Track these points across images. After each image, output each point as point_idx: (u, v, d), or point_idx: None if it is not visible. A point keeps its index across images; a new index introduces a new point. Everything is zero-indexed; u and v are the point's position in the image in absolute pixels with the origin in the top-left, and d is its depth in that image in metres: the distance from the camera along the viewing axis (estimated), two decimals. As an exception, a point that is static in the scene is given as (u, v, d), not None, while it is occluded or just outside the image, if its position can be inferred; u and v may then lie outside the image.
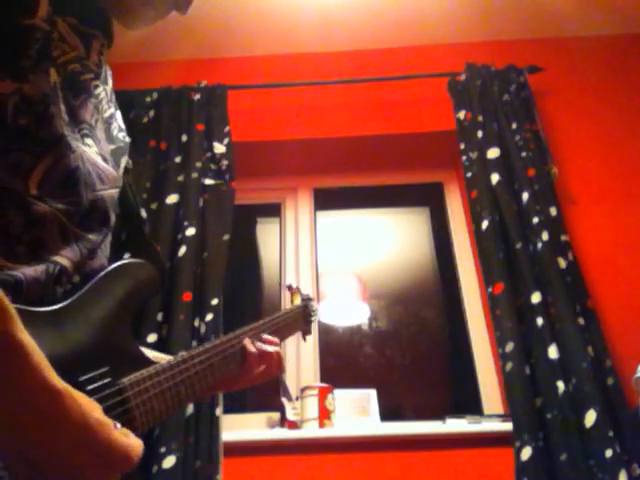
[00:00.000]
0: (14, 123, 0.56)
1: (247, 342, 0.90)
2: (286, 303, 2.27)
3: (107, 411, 0.55)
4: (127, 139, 0.78)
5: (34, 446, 0.44)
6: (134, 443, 0.52)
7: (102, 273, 0.64)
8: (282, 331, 1.06)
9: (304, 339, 1.25)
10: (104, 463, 0.48)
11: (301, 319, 1.20)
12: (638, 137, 2.26)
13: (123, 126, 0.79)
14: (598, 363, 1.67)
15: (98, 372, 0.58)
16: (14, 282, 0.52)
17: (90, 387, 0.55)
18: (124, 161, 0.74)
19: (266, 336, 0.96)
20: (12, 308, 0.44)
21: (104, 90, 0.73)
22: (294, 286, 1.29)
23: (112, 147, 0.72)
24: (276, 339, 0.97)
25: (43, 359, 0.46)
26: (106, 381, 0.58)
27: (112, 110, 0.76)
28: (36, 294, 0.55)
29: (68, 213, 0.60)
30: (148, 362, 0.68)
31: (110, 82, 0.77)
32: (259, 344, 0.93)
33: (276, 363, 0.95)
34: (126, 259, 0.70)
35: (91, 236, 0.64)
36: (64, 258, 0.59)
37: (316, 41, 2.53)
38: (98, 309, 0.62)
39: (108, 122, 0.74)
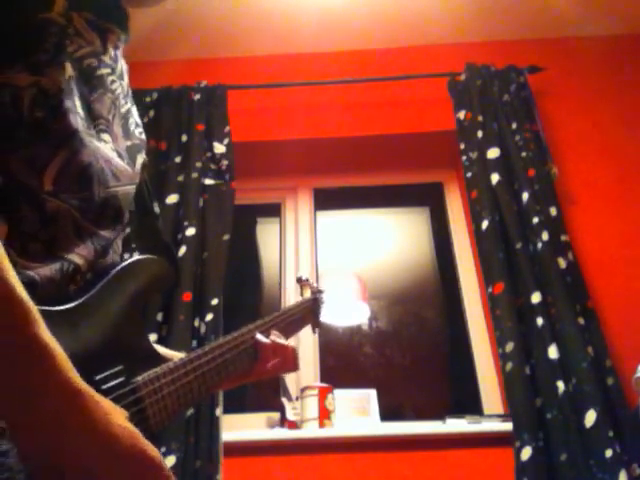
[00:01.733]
0: (30, 116, 0.56)
1: (260, 336, 0.90)
2: (285, 301, 2.27)
3: None
4: (143, 136, 0.78)
5: (56, 449, 0.43)
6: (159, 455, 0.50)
7: (115, 270, 0.64)
8: (293, 325, 1.05)
9: (314, 331, 1.24)
10: (127, 468, 0.47)
11: (310, 312, 1.18)
12: (638, 137, 2.25)
13: (139, 122, 0.79)
14: (598, 363, 1.67)
15: (112, 371, 0.57)
16: (28, 282, 0.52)
17: (105, 386, 0.55)
18: (140, 158, 0.74)
19: (274, 332, 0.95)
20: (36, 309, 0.44)
21: (120, 85, 0.73)
22: (304, 278, 1.27)
23: (128, 143, 0.72)
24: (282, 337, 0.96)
25: (66, 360, 0.45)
26: (120, 380, 0.58)
27: (129, 106, 0.75)
28: (50, 293, 0.54)
29: (81, 209, 0.60)
30: (161, 360, 0.67)
31: (126, 77, 0.76)
32: (273, 337, 0.93)
33: (291, 357, 0.95)
34: (139, 256, 0.69)
35: (104, 233, 0.63)
36: (78, 256, 0.59)
37: (316, 41, 2.52)
38: (111, 307, 0.61)
39: (125, 118, 0.73)
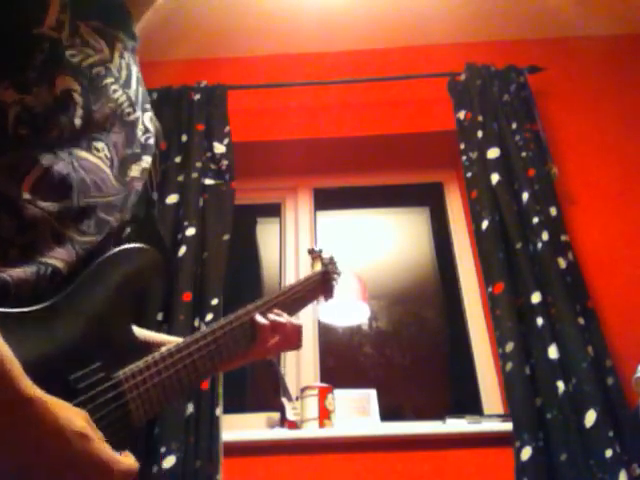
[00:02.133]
0: (14, 133, 0.56)
1: (258, 317, 0.89)
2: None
3: (101, 407, 0.55)
4: (150, 141, 0.77)
5: (7, 457, 0.43)
6: (123, 459, 0.50)
7: (94, 263, 0.62)
8: (298, 302, 1.03)
9: (325, 300, 1.20)
10: (80, 475, 0.46)
11: (320, 285, 1.15)
12: (638, 137, 2.25)
13: (150, 127, 0.78)
14: (598, 363, 1.67)
15: (90, 369, 0.56)
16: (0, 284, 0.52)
17: (82, 384, 0.54)
18: (137, 167, 0.73)
19: (275, 311, 0.94)
20: None
21: (125, 94, 0.72)
22: (317, 250, 1.23)
23: (128, 152, 0.71)
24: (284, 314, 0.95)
25: (15, 366, 0.44)
26: (99, 377, 0.57)
27: (138, 114, 0.75)
28: (27, 295, 0.54)
29: (60, 216, 0.60)
30: (147, 351, 0.66)
31: (135, 84, 0.75)
32: (271, 315, 0.91)
33: (292, 334, 0.94)
34: (125, 245, 0.67)
35: (86, 238, 0.63)
36: (57, 260, 0.58)
37: (316, 41, 2.52)
38: (89, 301, 0.60)
39: (132, 125, 0.73)
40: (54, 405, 0.46)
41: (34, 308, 0.54)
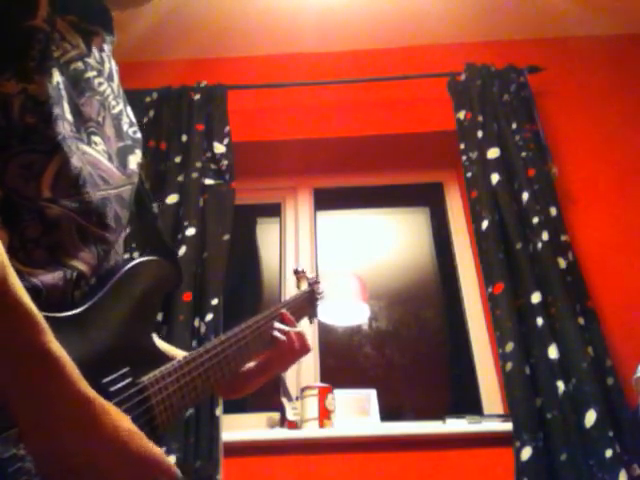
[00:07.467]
0: (21, 122, 0.56)
1: (277, 323, 0.95)
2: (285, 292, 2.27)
3: (129, 411, 0.57)
4: (138, 135, 0.77)
5: (72, 453, 0.46)
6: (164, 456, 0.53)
7: (120, 273, 0.65)
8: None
9: (310, 322, 1.25)
10: (136, 470, 0.50)
11: (307, 303, 1.19)
12: (638, 137, 2.25)
13: (134, 121, 0.79)
14: (598, 363, 1.67)
15: (119, 373, 0.59)
16: (32, 289, 0.52)
17: (113, 388, 0.56)
18: (134, 159, 0.74)
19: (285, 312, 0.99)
20: (44, 321, 0.46)
21: (109, 87, 0.73)
22: (300, 269, 1.27)
23: (120, 145, 0.72)
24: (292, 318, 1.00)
25: (74, 370, 0.47)
26: (127, 381, 0.59)
27: (121, 106, 0.75)
28: (55, 300, 0.55)
29: (83, 212, 0.60)
30: (166, 359, 0.69)
31: (116, 78, 0.76)
32: (277, 324, 0.96)
33: (300, 340, 0.98)
34: (141, 258, 0.70)
35: (108, 235, 0.64)
36: (82, 262, 0.59)
37: (316, 41, 2.52)
38: (117, 310, 0.63)
39: (118, 118, 0.73)
40: (108, 407, 0.49)
41: (68, 313, 0.56)
